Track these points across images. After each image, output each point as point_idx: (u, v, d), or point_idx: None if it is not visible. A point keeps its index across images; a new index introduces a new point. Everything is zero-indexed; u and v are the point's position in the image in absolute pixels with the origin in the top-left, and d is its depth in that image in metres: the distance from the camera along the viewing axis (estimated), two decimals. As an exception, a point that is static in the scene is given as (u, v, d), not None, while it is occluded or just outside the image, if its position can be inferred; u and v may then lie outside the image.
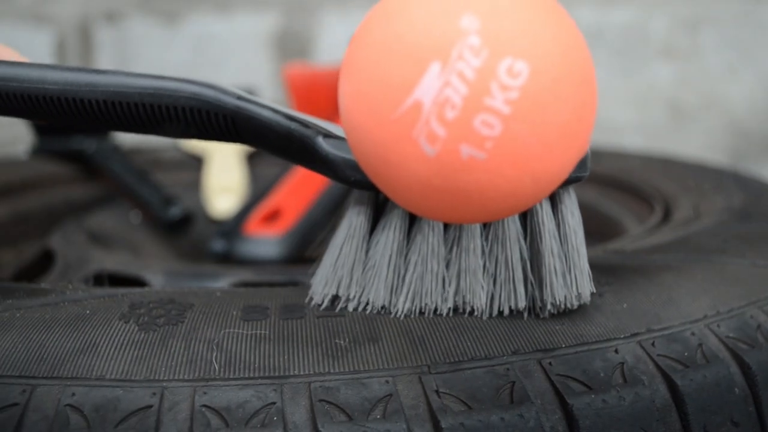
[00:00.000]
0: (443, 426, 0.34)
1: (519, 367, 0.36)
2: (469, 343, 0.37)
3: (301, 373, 0.35)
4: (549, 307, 0.40)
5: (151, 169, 0.90)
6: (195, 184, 0.91)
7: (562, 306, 0.40)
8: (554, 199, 0.41)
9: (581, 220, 0.42)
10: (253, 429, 0.33)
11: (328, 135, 0.40)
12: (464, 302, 0.40)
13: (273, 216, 0.79)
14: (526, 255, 0.40)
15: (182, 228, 0.84)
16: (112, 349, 0.36)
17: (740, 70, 1.34)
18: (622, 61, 1.35)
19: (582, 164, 0.41)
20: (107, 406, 0.34)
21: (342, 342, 0.37)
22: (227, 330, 0.38)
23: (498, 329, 0.38)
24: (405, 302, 0.40)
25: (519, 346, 0.37)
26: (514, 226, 0.40)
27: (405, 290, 0.40)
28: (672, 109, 1.36)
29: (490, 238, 0.40)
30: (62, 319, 0.39)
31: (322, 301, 0.41)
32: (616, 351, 0.38)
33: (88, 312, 0.39)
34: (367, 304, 0.40)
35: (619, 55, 1.35)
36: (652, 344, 0.39)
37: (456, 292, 0.40)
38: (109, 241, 0.78)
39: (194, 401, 0.34)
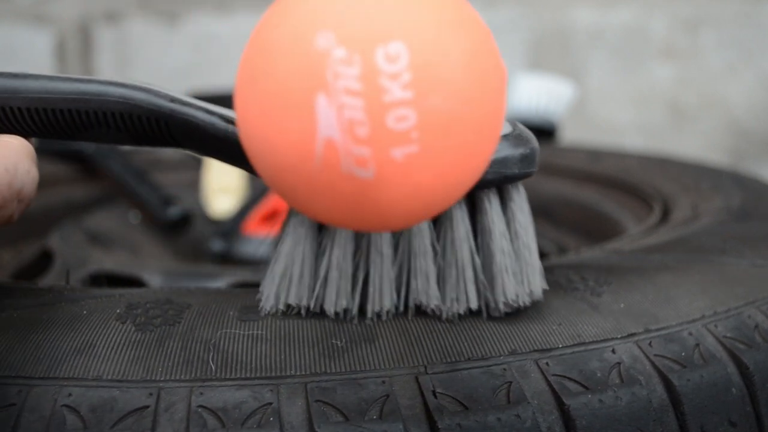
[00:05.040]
0: (440, 426, 0.34)
1: (516, 367, 0.36)
2: (465, 344, 0.37)
3: (298, 373, 0.35)
4: (501, 306, 0.39)
5: (151, 169, 0.90)
6: (194, 184, 0.91)
7: (515, 304, 0.40)
8: (503, 196, 0.40)
9: (531, 217, 0.42)
10: (249, 429, 0.33)
11: None
12: (418, 305, 0.39)
13: (272, 216, 0.79)
14: (476, 254, 0.39)
15: (181, 228, 0.84)
16: (109, 350, 0.36)
17: (740, 70, 1.34)
18: (622, 61, 1.35)
19: (530, 161, 0.40)
20: (104, 406, 0.34)
21: (338, 342, 0.37)
22: (224, 330, 0.38)
23: (495, 329, 0.38)
24: (363, 308, 0.39)
25: (516, 347, 0.37)
26: (463, 225, 0.39)
27: (356, 296, 0.39)
28: (672, 109, 1.36)
29: (440, 238, 0.39)
30: (59, 320, 0.38)
31: (274, 311, 0.39)
32: (613, 351, 0.38)
33: (85, 312, 0.39)
34: (321, 312, 0.39)
35: (619, 55, 1.35)
36: (650, 344, 0.39)
37: (408, 295, 0.39)
38: (108, 241, 0.78)
39: (191, 402, 0.34)
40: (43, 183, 0.88)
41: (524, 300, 0.40)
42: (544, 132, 1.01)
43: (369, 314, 0.39)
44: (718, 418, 0.38)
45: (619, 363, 0.37)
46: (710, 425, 0.37)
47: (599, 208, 0.81)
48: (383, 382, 0.35)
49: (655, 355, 0.38)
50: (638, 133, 1.36)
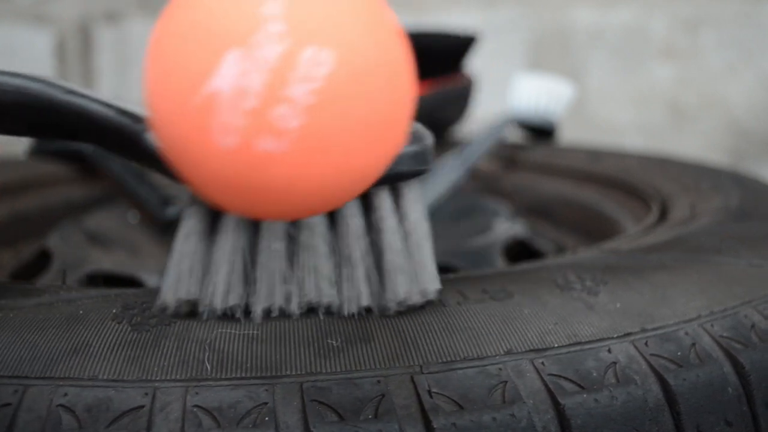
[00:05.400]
0: (435, 426, 0.34)
1: (511, 366, 0.36)
2: (461, 343, 0.37)
3: (293, 373, 0.35)
4: (392, 304, 0.39)
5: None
6: (193, 185, 0.91)
7: (406, 303, 0.39)
8: (396, 194, 0.40)
9: (425, 214, 0.41)
10: (244, 429, 0.33)
11: None
12: (313, 302, 0.39)
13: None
14: (367, 251, 0.39)
15: (180, 228, 0.84)
16: (105, 350, 0.36)
17: (740, 70, 1.34)
18: (622, 61, 1.35)
19: (422, 159, 0.40)
20: (99, 406, 0.34)
21: (334, 342, 0.37)
22: (220, 330, 0.38)
23: (491, 329, 0.38)
24: (253, 304, 0.39)
25: (512, 346, 0.37)
26: (355, 222, 0.39)
27: (250, 292, 0.39)
28: (672, 109, 1.36)
29: (333, 234, 0.39)
30: (55, 320, 0.38)
31: (172, 306, 0.39)
32: (609, 350, 0.38)
33: (81, 312, 0.39)
34: (214, 307, 0.39)
35: (619, 55, 1.35)
36: (645, 344, 0.39)
37: (302, 292, 0.39)
38: (107, 241, 0.78)
39: (186, 401, 0.34)
40: (43, 183, 0.89)
41: (415, 299, 0.40)
42: (544, 132, 1.01)
43: (259, 312, 0.39)
44: (714, 417, 0.38)
45: (615, 362, 0.37)
46: (706, 425, 0.37)
47: (599, 208, 0.81)
48: (378, 381, 0.35)
49: (651, 354, 0.38)
50: (638, 133, 1.36)
